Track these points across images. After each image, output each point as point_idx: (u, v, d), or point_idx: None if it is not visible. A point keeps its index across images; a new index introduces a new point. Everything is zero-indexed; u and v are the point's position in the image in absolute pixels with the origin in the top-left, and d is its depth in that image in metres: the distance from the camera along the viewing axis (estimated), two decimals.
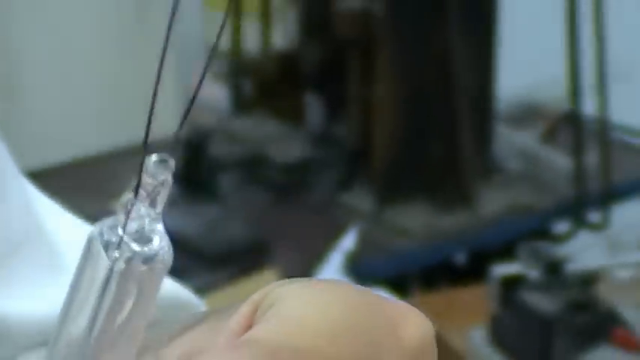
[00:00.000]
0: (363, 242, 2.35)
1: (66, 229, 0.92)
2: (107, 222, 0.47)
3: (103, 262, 0.47)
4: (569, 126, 2.47)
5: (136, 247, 0.47)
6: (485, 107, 2.50)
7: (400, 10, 2.34)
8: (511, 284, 1.96)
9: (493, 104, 2.53)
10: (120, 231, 0.47)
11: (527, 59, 2.57)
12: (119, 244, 0.47)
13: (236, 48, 2.63)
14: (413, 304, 1.68)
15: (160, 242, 0.48)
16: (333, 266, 2.27)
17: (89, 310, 0.49)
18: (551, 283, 1.96)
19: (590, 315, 1.92)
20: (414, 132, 2.44)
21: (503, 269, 2.01)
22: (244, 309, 0.55)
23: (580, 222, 2.31)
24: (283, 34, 2.71)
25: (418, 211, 2.45)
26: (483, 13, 2.48)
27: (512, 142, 2.56)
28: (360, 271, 2.29)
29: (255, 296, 0.55)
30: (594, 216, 2.38)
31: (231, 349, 0.53)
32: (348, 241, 2.25)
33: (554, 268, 1.97)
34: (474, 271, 2.30)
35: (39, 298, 0.86)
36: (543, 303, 1.91)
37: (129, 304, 0.49)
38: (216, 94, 2.74)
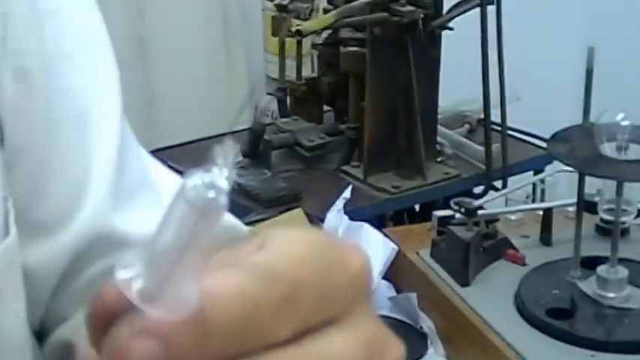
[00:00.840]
0: (355, 195, 2.32)
1: (164, 179, 0.99)
2: (197, 172, 0.46)
3: (188, 192, 0.46)
4: (483, 127, 2.48)
5: (219, 184, 0.46)
6: (431, 115, 2.49)
7: (379, 54, 2.38)
8: (445, 222, 1.97)
9: (436, 113, 2.53)
10: (208, 175, 0.46)
11: (458, 84, 2.55)
12: (204, 183, 0.46)
13: (281, 76, 2.53)
14: (387, 233, 1.74)
15: (226, 191, 0.46)
16: (337, 208, 2.22)
17: (173, 226, 0.47)
18: (468, 221, 1.96)
19: (492, 242, 1.95)
20: (387, 130, 2.44)
21: (441, 213, 2.01)
22: (254, 241, 0.53)
23: (489, 186, 2.36)
24: (310, 68, 2.70)
25: (389, 178, 2.44)
26: (431, 55, 2.49)
27: (448, 136, 2.54)
28: (353, 212, 2.26)
29: (262, 234, 0.54)
30: (497, 183, 2.42)
31: (227, 269, 0.50)
32: (347, 194, 2.22)
33: (471, 213, 1.94)
34: (424, 215, 2.31)
35: (148, 224, 0.91)
36: (464, 234, 1.90)
37: (191, 231, 0.47)
38: (270, 103, 2.75)
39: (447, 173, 2.51)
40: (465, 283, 1.93)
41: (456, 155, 2.58)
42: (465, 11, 2.41)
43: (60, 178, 0.86)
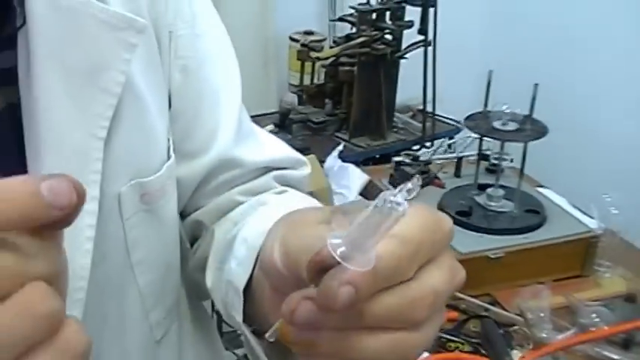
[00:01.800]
0: (344, 149, 2.30)
1: (260, 132, 1.00)
2: (389, 191, 0.50)
3: (385, 205, 0.49)
4: (421, 113, 2.53)
5: (400, 200, 0.49)
6: (391, 105, 2.55)
7: (363, 72, 2.42)
8: (399, 164, 2.02)
9: (394, 104, 2.57)
10: (397, 195, 0.49)
11: (408, 88, 2.60)
12: (395, 197, 0.49)
13: (301, 82, 2.57)
14: (362, 170, 1.78)
15: (405, 208, 0.49)
16: (333, 156, 2.24)
17: (370, 221, 0.49)
18: (413, 164, 2.02)
19: (426, 175, 2.01)
20: (364, 113, 2.49)
21: (397, 158, 2.05)
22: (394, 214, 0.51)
23: (422, 145, 2.40)
24: (318, 77, 2.70)
25: (364, 140, 2.48)
26: (393, 72, 2.53)
27: (400, 118, 2.61)
28: (343, 159, 2.27)
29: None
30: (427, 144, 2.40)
31: (383, 240, 0.50)
32: (340, 147, 2.25)
33: (415, 159, 2.03)
34: (383, 161, 2.30)
35: (252, 155, 0.92)
36: (409, 170, 1.99)
37: (378, 222, 0.49)
38: (291, 98, 2.70)
39: (398, 138, 2.63)
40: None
41: (405, 129, 2.68)
42: (414, 49, 2.53)
43: (202, 128, 0.88)
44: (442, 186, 2.03)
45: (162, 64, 0.81)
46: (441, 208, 1.90)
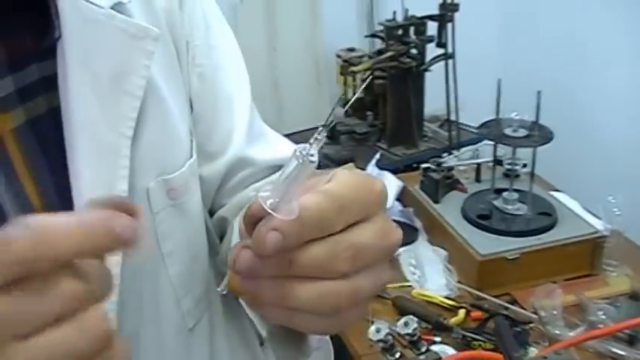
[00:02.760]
0: (382, 158, 2.28)
1: (271, 133, 0.97)
2: (302, 145, 0.51)
3: (299, 155, 0.50)
4: (447, 122, 2.44)
5: (313, 152, 0.50)
6: (420, 116, 2.46)
7: (393, 84, 2.32)
8: (427, 170, 1.94)
9: (423, 115, 2.48)
10: (309, 147, 0.50)
11: (435, 100, 2.50)
12: (307, 149, 0.50)
13: (345, 96, 2.51)
14: (397, 177, 1.68)
15: (316, 159, 0.50)
16: (372, 164, 2.22)
17: (289, 171, 0.50)
18: (438, 170, 1.93)
19: (450, 180, 1.92)
20: (398, 124, 2.42)
21: (424, 165, 1.96)
22: (326, 176, 0.54)
23: (449, 153, 2.25)
24: (356, 91, 2.61)
25: (399, 149, 2.41)
26: (420, 84, 2.44)
27: (429, 127, 2.51)
28: (380, 167, 2.24)
29: (331, 172, 0.55)
30: (454, 151, 2.29)
31: (310, 193, 0.51)
32: (377, 156, 2.23)
33: (439, 165, 1.93)
34: (416, 168, 2.18)
35: (264, 154, 0.91)
36: (436, 175, 1.89)
37: (297, 174, 0.50)
38: (341, 111, 2.57)
39: (428, 146, 2.54)
40: (436, 201, 1.94)
41: (434, 138, 2.60)
42: (437, 61, 2.45)
43: (219, 130, 0.88)
44: (465, 190, 2.00)
45: (182, 71, 0.82)
46: (463, 212, 1.90)
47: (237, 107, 0.90)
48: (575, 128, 2.63)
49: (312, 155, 0.50)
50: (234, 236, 0.84)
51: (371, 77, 2.51)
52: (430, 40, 2.44)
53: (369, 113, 2.65)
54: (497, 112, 1.78)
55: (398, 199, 2.10)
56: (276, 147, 0.94)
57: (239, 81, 0.91)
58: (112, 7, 0.69)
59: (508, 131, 1.74)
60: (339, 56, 2.77)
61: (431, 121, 2.64)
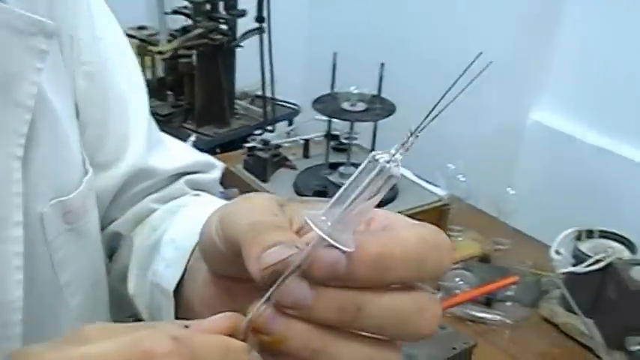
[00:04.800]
0: (197, 136, 2.18)
1: (167, 138, 0.90)
2: (380, 153, 0.39)
3: (375, 166, 0.38)
4: (259, 99, 2.40)
5: (393, 164, 0.38)
6: (231, 93, 2.41)
7: (202, 62, 2.23)
8: (251, 150, 1.88)
9: (234, 92, 2.42)
10: (391, 156, 0.38)
11: (245, 76, 2.41)
12: (388, 161, 0.38)
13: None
14: (216, 158, 1.57)
15: (399, 170, 0.38)
16: (188, 145, 2.13)
17: (361, 186, 0.38)
18: (265, 148, 1.88)
19: (277, 158, 1.87)
20: (207, 103, 2.36)
21: (249, 145, 1.90)
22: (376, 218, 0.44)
23: (264, 129, 2.25)
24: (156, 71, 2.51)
25: (210, 129, 2.36)
26: (230, 61, 2.35)
27: (240, 104, 2.45)
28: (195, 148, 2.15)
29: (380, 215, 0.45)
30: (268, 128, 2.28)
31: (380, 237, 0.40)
32: (192, 138, 2.09)
33: (266, 143, 1.88)
34: (229, 148, 2.19)
35: (164, 163, 0.83)
36: (263, 154, 1.84)
37: (375, 192, 0.38)
38: None
39: (241, 124, 2.46)
40: (265, 180, 1.85)
41: (246, 115, 2.51)
42: (249, 37, 2.36)
43: (112, 136, 0.78)
44: (294, 167, 1.91)
45: (67, 70, 0.71)
46: (297, 189, 1.82)
47: (133, 110, 0.81)
48: (414, 99, 2.55)
49: (394, 162, 0.38)
50: (134, 253, 0.77)
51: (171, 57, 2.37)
52: (242, 14, 2.33)
53: (169, 93, 2.50)
54: (333, 87, 1.70)
55: (221, 182, 1.99)
56: (177, 153, 0.86)
57: (133, 80, 0.82)
58: None
59: (346, 105, 1.68)
60: (132, 36, 2.52)
61: (241, 97, 2.54)
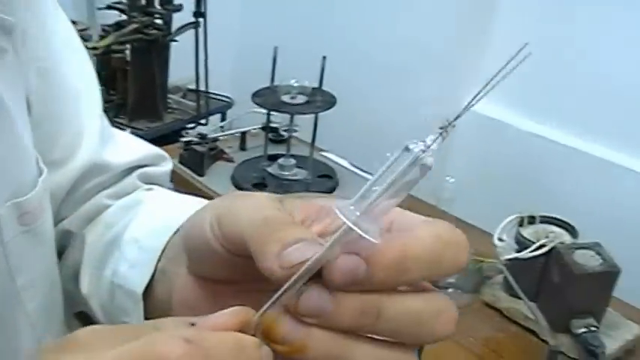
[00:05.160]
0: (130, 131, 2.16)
1: (117, 133, 0.87)
2: (415, 142, 0.37)
3: (410, 156, 0.36)
4: (192, 92, 2.36)
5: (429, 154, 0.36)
6: (164, 88, 2.36)
7: (137, 57, 2.18)
8: (188, 144, 1.86)
9: (167, 86, 2.37)
10: (426, 146, 0.36)
11: (178, 70, 2.38)
12: (423, 151, 0.36)
13: None
14: None
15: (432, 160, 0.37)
16: None
17: (394, 175, 0.36)
18: (202, 142, 1.86)
19: (214, 152, 1.86)
20: (141, 97, 2.31)
21: (185, 139, 1.89)
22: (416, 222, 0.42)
23: (198, 123, 2.19)
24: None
25: (143, 123, 2.32)
26: (164, 55, 2.32)
27: (173, 98, 2.43)
28: None
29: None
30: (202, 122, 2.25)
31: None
32: (127, 133, 2.07)
33: (203, 137, 1.87)
34: (165, 142, 1.94)
35: (118, 157, 0.80)
36: (200, 148, 1.82)
37: (409, 182, 0.37)
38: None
39: (174, 118, 2.41)
40: (202, 174, 1.83)
41: (179, 109, 2.46)
42: (184, 31, 2.30)
43: (65, 132, 0.76)
44: (231, 160, 1.90)
45: (19, 68, 0.67)
46: (235, 182, 1.80)
47: (86, 105, 0.78)
48: (355, 91, 2.44)
49: (430, 155, 0.36)
50: (87, 251, 0.74)
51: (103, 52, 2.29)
52: (178, 9, 2.28)
53: (101, 88, 2.41)
54: (273, 79, 1.69)
55: None
56: (128, 147, 0.82)
57: (86, 75, 0.79)
58: None
59: (286, 98, 1.67)
60: None
61: (173, 92, 2.49)
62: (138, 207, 0.75)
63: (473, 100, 0.37)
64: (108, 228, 0.74)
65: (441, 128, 0.36)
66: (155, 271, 0.61)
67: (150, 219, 0.68)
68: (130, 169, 0.81)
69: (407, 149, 0.36)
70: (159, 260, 0.62)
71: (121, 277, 0.66)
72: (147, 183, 0.83)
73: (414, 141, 0.36)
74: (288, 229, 0.39)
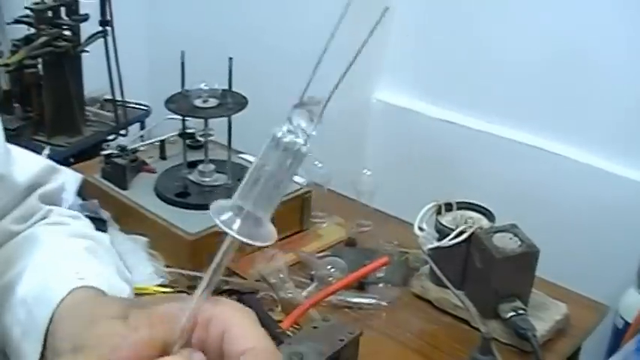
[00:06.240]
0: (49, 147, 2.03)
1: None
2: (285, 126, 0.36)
3: (282, 141, 0.36)
4: (109, 103, 2.30)
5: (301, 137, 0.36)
6: (80, 99, 2.31)
7: (49, 71, 2.14)
8: (110, 156, 1.79)
9: (83, 98, 2.31)
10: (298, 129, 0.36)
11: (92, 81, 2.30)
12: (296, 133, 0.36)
13: None
14: (73, 168, 1.47)
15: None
16: (44, 157, 2.02)
17: (269, 165, 0.37)
18: (123, 154, 1.80)
19: (135, 163, 1.79)
20: (58, 112, 2.24)
21: (106, 152, 1.81)
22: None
23: (118, 134, 2.15)
24: None
25: (62, 139, 2.26)
26: (77, 66, 2.26)
27: (91, 111, 2.34)
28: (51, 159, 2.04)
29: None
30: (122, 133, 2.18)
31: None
32: (47, 151, 1.96)
33: (124, 149, 1.81)
34: (87, 157, 2.06)
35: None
36: (121, 161, 1.77)
37: (288, 166, 0.37)
38: None
39: (94, 130, 2.34)
40: (125, 188, 1.75)
41: (97, 120, 2.39)
42: (92, 41, 2.24)
43: None
44: (153, 171, 1.81)
45: None
46: (158, 193, 1.72)
47: None
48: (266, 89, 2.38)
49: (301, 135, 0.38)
50: None
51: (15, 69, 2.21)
52: (85, 19, 2.22)
53: (16, 106, 2.33)
54: (183, 84, 1.62)
55: (79, 194, 1.79)
56: (27, 163, 0.81)
57: None
58: None
59: (198, 102, 1.61)
60: None
61: (90, 103, 2.42)
62: (35, 253, 0.72)
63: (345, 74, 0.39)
64: (8, 267, 0.71)
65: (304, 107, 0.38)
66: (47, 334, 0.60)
67: (40, 276, 0.66)
68: (31, 189, 0.79)
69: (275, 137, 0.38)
70: (48, 329, 0.60)
71: (15, 340, 0.64)
72: (47, 203, 0.81)
73: (280, 128, 0.38)
74: None
